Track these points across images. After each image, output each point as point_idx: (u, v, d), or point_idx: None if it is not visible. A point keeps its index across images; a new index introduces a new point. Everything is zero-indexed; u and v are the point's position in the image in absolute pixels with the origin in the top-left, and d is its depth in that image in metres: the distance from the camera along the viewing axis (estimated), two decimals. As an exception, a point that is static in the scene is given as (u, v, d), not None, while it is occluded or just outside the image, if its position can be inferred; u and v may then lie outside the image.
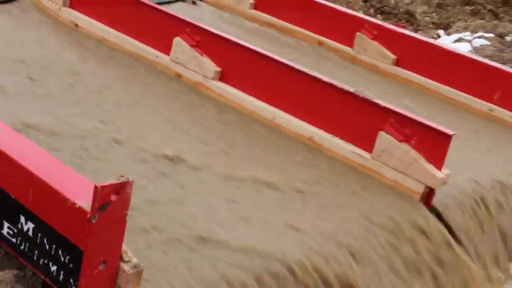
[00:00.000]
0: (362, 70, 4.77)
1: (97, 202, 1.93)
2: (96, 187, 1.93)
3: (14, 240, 2.28)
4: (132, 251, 2.09)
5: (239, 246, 2.58)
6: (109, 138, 3.20)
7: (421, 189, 3.16)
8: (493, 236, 3.45)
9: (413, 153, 3.17)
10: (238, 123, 3.59)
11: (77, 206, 2.00)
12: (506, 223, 3.54)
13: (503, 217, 3.55)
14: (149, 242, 2.48)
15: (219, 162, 3.19)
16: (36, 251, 2.21)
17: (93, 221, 1.95)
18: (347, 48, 4.97)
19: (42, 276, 2.22)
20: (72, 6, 4.47)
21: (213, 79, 3.78)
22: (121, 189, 1.97)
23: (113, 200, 1.96)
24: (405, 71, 4.76)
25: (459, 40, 7.69)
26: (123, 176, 1.98)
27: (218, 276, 2.40)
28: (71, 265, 2.09)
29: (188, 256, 2.48)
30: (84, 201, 1.98)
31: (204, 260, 2.47)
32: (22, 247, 2.26)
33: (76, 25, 4.38)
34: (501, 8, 9.97)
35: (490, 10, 9.66)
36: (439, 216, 3.20)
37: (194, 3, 5.41)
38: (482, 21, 8.85)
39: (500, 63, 5.37)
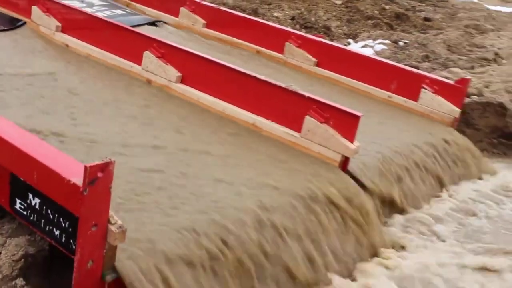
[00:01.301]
0: (291, 71, 4.78)
1: (87, 178, 1.93)
2: (85, 167, 1.93)
3: (25, 212, 2.28)
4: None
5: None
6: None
7: (338, 158, 3.19)
8: (391, 188, 3.51)
9: (331, 131, 3.19)
10: (194, 114, 3.56)
11: (71, 182, 1.99)
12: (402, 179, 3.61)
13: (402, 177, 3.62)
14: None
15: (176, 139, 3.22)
16: (43, 220, 2.20)
17: (85, 194, 1.94)
18: (279, 55, 4.97)
19: (49, 239, 2.21)
20: (63, 31, 4.40)
21: (175, 82, 3.75)
22: (105, 167, 1.97)
23: (99, 176, 1.95)
24: (324, 70, 4.77)
25: (364, 46, 7.76)
26: (106, 157, 1.98)
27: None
28: (70, 229, 2.09)
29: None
30: (77, 178, 1.97)
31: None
32: (31, 218, 2.25)
33: (67, 45, 4.32)
34: (394, 22, 10.10)
35: (386, 23, 9.76)
36: (353, 177, 3.24)
37: (157, 25, 5.36)
38: (381, 32, 8.94)
39: (395, 62, 5.46)
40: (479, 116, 5.04)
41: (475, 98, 5.11)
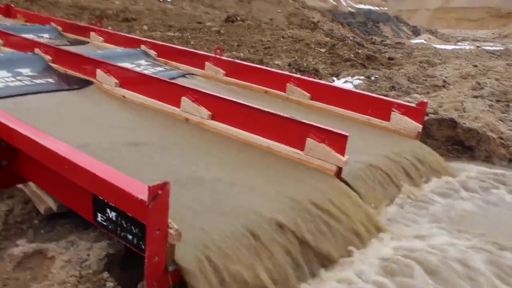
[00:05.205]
0: (292, 104, 4.80)
1: (150, 195, 1.97)
2: (149, 187, 1.96)
3: (105, 223, 2.31)
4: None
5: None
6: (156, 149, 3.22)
7: (334, 168, 3.20)
8: (378, 190, 3.50)
9: (327, 148, 3.21)
10: (223, 142, 3.58)
11: (139, 199, 2.03)
12: (383, 180, 3.60)
13: (383, 178, 3.61)
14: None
15: (212, 163, 3.18)
16: (119, 228, 2.24)
17: (150, 207, 1.97)
18: (282, 93, 5.00)
19: (124, 242, 2.24)
20: (120, 86, 4.46)
21: (207, 119, 3.79)
22: (164, 186, 2.00)
23: (159, 193, 1.99)
24: (317, 102, 4.79)
25: (345, 82, 7.79)
26: (164, 179, 2.01)
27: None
28: (140, 234, 2.13)
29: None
30: (143, 196, 2.01)
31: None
32: (110, 227, 2.29)
33: (124, 96, 4.38)
34: (366, 62, 10.15)
35: (360, 63, 9.81)
36: (346, 183, 3.24)
37: (188, 77, 5.43)
38: (357, 70, 8.99)
39: (370, 92, 5.49)
40: (436, 129, 5.06)
41: (432, 116, 5.13)
